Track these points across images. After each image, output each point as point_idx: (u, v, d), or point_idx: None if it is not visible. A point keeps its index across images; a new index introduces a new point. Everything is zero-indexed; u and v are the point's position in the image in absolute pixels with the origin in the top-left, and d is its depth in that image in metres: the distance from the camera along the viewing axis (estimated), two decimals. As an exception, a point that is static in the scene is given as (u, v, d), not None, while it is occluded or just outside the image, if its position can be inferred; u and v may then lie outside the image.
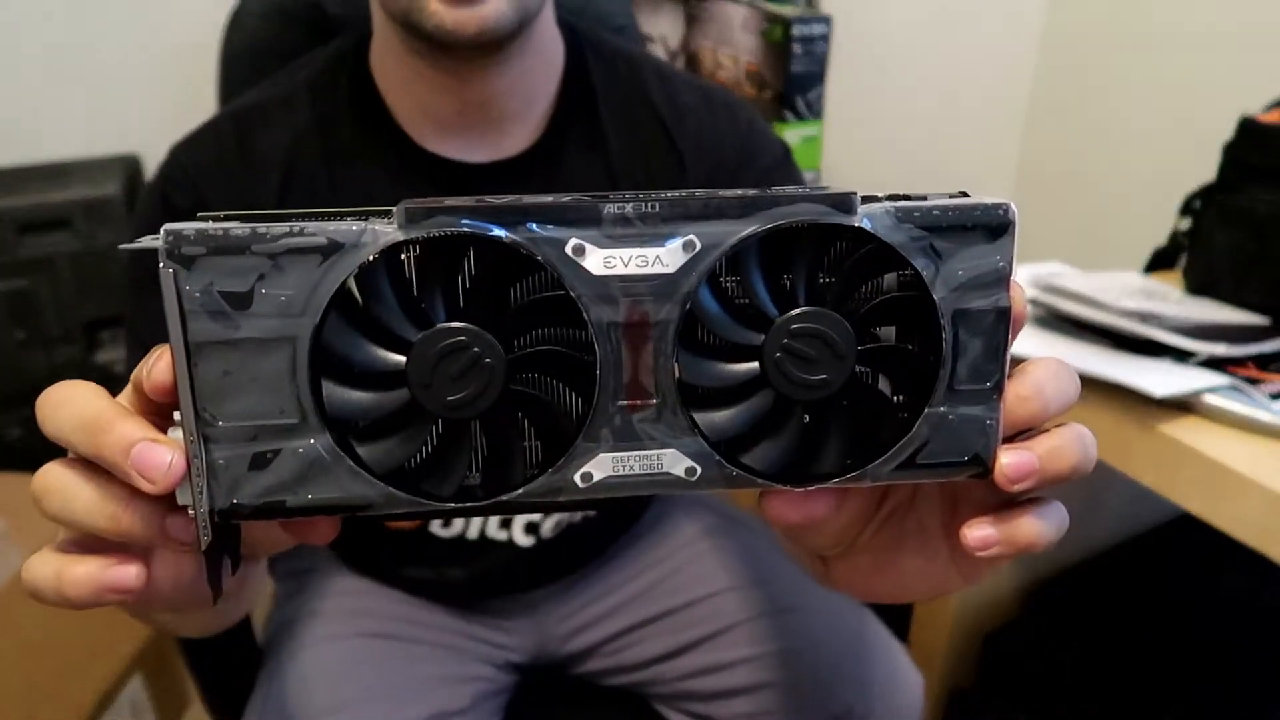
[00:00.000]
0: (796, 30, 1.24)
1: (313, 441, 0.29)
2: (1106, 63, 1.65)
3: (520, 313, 0.29)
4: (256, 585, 0.47)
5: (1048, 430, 0.32)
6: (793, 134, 1.31)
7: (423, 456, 0.30)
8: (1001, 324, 0.30)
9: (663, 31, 1.45)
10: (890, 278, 0.31)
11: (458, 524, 0.78)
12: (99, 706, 1.15)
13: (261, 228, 0.27)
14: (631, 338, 0.29)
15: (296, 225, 0.27)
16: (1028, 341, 0.84)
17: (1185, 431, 0.76)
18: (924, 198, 0.30)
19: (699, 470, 0.30)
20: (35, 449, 1.57)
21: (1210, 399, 0.77)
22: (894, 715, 0.81)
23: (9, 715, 1.07)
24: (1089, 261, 1.09)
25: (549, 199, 0.28)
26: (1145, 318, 0.84)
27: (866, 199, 0.30)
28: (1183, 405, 0.78)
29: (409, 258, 0.29)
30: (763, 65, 1.30)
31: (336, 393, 0.29)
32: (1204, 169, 0.97)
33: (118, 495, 0.30)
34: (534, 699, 0.86)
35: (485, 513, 0.28)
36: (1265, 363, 0.82)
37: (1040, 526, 0.32)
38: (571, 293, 0.29)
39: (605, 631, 0.85)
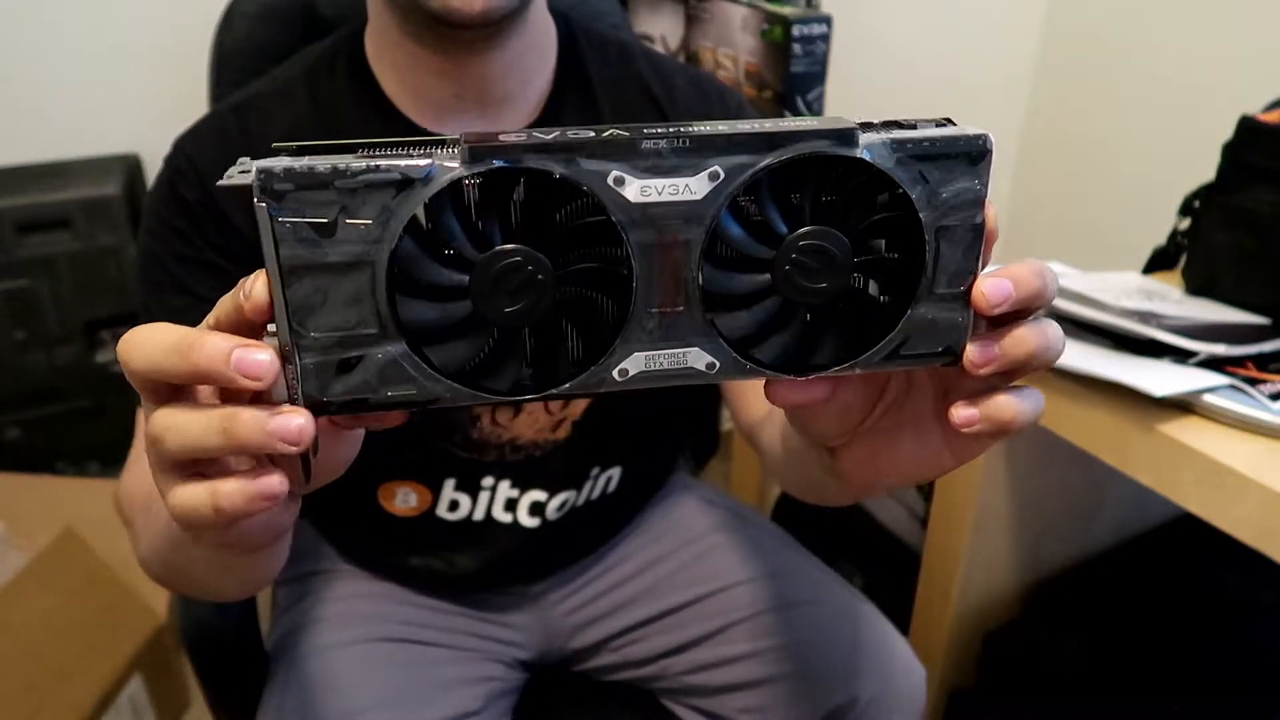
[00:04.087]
0: (796, 30, 1.23)
1: (390, 348, 0.33)
2: (1106, 63, 1.65)
3: (567, 234, 0.33)
4: (287, 541, 0.49)
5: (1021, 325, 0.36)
6: (793, 134, 1.30)
7: (482, 357, 0.34)
8: (977, 238, 0.35)
9: (663, 31, 1.45)
10: (883, 197, 0.35)
11: (464, 507, 0.78)
12: (99, 706, 1.15)
13: (342, 164, 0.31)
14: (663, 255, 0.33)
15: (373, 162, 0.31)
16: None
17: (1185, 431, 0.76)
18: (914, 125, 0.35)
19: (718, 365, 0.35)
20: (35, 449, 1.57)
21: (1210, 399, 0.77)
22: (897, 706, 0.81)
23: (9, 715, 1.07)
24: (1089, 261, 1.09)
25: (591, 133, 0.32)
26: (1145, 318, 0.84)
27: (865, 126, 0.34)
28: (1183, 405, 0.78)
29: (471, 187, 0.32)
30: (763, 65, 1.30)
31: (410, 306, 0.33)
32: (1204, 169, 0.97)
33: (223, 412, 0.33)
34: (542, 696, 0.86)
35: (537, 399, 0.35)
36: (1265, 363, 0.82)
37: (1017, 406, 0.37)
38: (613, 218, 0.33)
39: (612, 627, 0.85)
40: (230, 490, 0.33)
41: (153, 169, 0.70)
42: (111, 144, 1.38)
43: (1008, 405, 0.37)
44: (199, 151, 0.67)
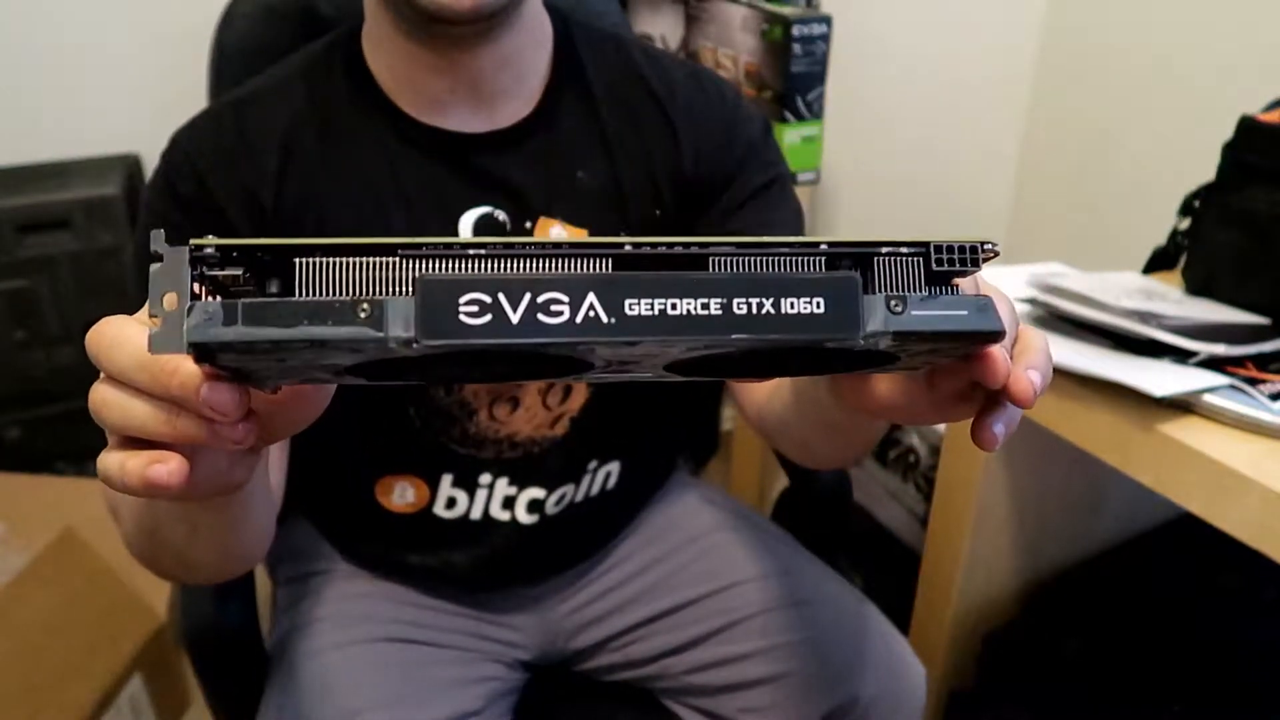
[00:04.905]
0: (796, 30, 1.24)
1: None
2: (1106, 62, 1.65)
3: (513, 365, 0.32)
4: (264, 496, 0.50)
5: None
6: (793, 134, 1.31)
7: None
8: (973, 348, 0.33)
9: (663, 31, 1.45)
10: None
11: (461, 504, 0.78)
12: (99, 706, 1.15)
13: (283, 336, 0.28)
14: (634, 361, 0.32)
15: (315, 333, 0.28)
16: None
17: (1185, 431, 0.76)
18: (925, 246, 0.31)
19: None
20: (35, 449, 1.56)
21: (1210, 399, 0.77)
22: (898, 706, 0.81)
23: (9, 715, 1.07)
24: (1089, 261, 1.09)
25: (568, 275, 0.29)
26: (1145, 318, 0.84)
27: (861, 258, 0.30)
28: (1183, 405, 0.78)
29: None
30: (763, 65, 1.30)
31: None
32: (1204, 169, 0.97)
33: (170, 406, 0.33)
34: (542, 696, 0.86)
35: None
36: (1265, 363, 0.82)
37: (1017, 415, 0.37)
38: (586, 360, 0.31)
39: (613, 627, 0.85)
40: (130, 469, 0.34)
41: (153, 169, 0.70)
42: (111, 144, 1.38)
43: (1015, 414, 0.37)
44: (195, 147, 0.68)
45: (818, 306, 0.29)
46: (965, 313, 0.30)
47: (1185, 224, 1.02)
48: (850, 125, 1.53)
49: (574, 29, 0.75)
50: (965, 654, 1.12)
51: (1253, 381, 0.78)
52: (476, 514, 0.78)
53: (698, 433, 1.12)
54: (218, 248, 0.29)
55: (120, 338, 0.33)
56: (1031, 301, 0.89)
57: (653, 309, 0.28)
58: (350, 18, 0.72)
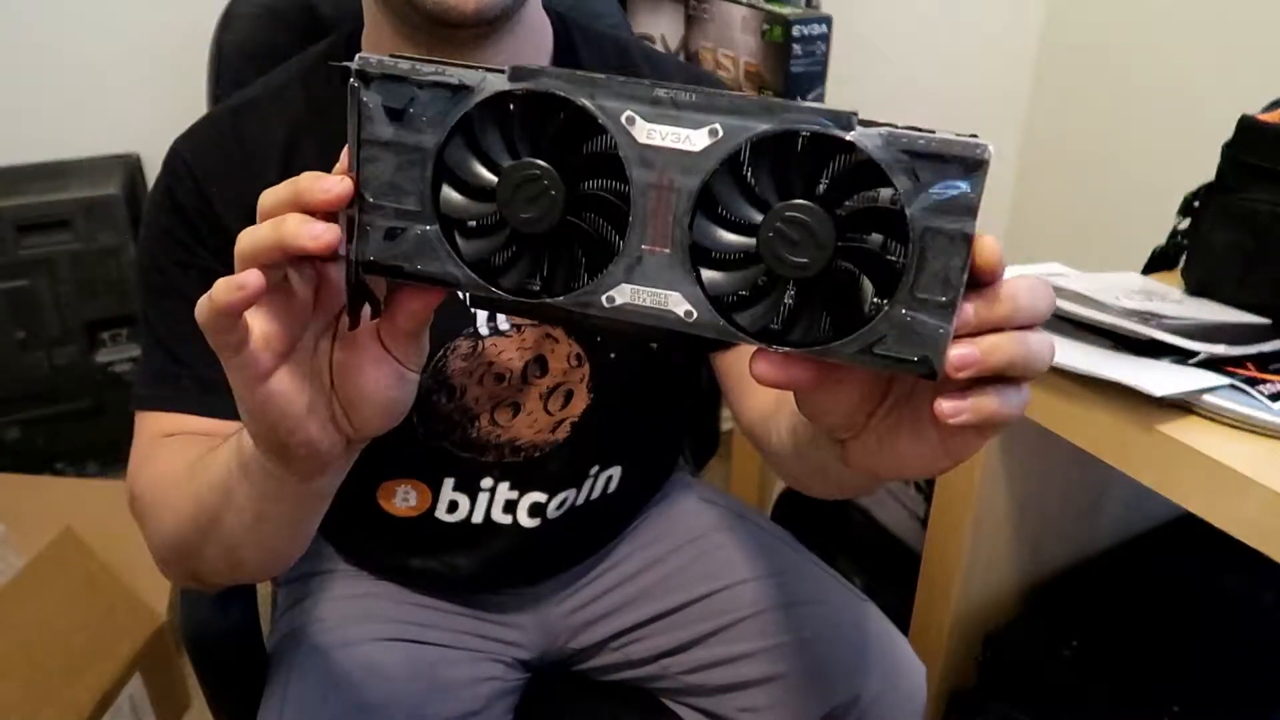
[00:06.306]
0: (796, 30, 1.24)
1: (427, 228, 0.38)
2: (1107, 61, 1.65)
3: (582, 160, 0.37)
4: (325, 505, 0.52)
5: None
6: (793, 134, 1.31)
7: (497, 256, 0.38)
8: (963, 247, 0.34)
9: (663, 31, 1.45)
10: (875, 191, 0.35)
11: (463, 508, 0.78)
12: (99, 706, 1.15)
13: (418, 65, 0.37)
14: (658, 197, 0.36)
15: (440, 67, 0.37)
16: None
17: (1185, 431, 0.76)
18: (932, 131, 0.34)
19: (695, 314, 0.37)
20: (35, 449, 1.56)
21: (1210, 399, 0.77)
22: (898, 706, 0.81)
23: (9, 715, 1.07)
24: (1089, 261, 1.09)
25: (619, 78, 0.36)
26: (1145, 318, 0.84)
27: (870, 123, 0.34)
28: (1183, 405, 0.78)
29: (510, 105, 0.37)
30: (763, 65, 1.30)
31: (448, 195, 0.38)
32: (1204, 169, 0.97)
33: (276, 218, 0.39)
34: (543, 696, 0.86)
35: (533, 312, 0.39)
36: (1265, 363, 0.82)
37: (1001, 401, 0.37)
38: (620, 153, 0.36)
39: (614, 626, 0.85)
40: (293, 223, 0.38)
41: (152, 169, 0.70)
42: (111, 144, 1.38)
43: (991, 401, 0.37)
44: (195, 156, 0.67)
45: (818, 115, 0.35)
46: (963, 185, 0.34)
47: (1185, 224, 1.02)
48: (850, 125, 1.53)
49: (574, 31, 0.75)
50: (965, 654, 1.12)
51: (1253, 381, 0.78)
52: (478, 518, 0.78)
53: (698, 433, 1.12)
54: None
55: (249, 235, 0.40)
56: (1031, 301, 0.89)
57: (689, 96, 0.35)
58: (350, 19, 0.72)
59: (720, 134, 0.35)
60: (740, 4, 1.30)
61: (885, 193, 0.35)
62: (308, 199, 0.38)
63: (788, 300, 0.36)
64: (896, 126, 0.34)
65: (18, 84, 1.33)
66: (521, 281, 0.38)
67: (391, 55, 0.38)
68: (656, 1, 1.44)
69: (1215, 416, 0.77)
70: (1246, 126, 0.93)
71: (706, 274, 0.37)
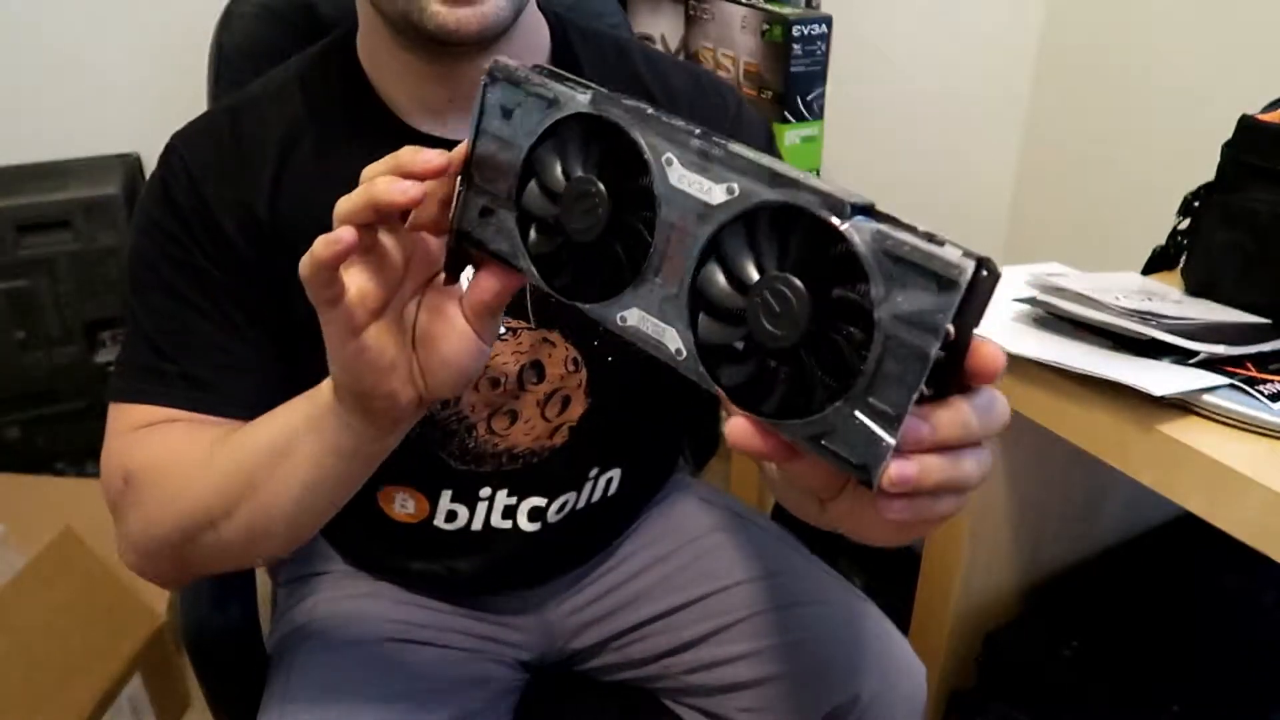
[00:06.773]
0: (796, 30, 1.24)
1: (509, 215, 0.44)
2: (1106, 62, 1.65)
3: (626, 188, 0.41)
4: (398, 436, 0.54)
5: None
6: (793, 134, 1.31)
7: (551, 254, 0.43)
8: (919, 365, 0.33)
9: (662, 31, 1.45)
10: (855, 285, 0.35)
11: (462, 517, 0.78)
12: (99, 706, 1.15)
13: (530, 76, 0.43)
14: (676, 237, 0.39)
15: (545, 81, 0.43)
16: (1028, 341, 0.84)
17: (1185, 431, 0.76)
18: (915, 229, 0.34)
19: (684, 354, 0.39)
20: (35, 449, 1.56)
21: (1210, 399, 0.77)
22: (898, 705, 0.81)
23: (9, 715, 1.07)
24: (1089, 261, 1.09)
25: (673, 120, 0.40)
26: (1145, 318, 0.84)
27: (875, 214, 0.35)
28: (1183, 405, 0.78)
29: (584, 125, 0.42)
30: (763, 65, 1.30)
31: (530, 191, 0.43)
32: (1204, 169, 0.97)
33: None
34: (543, 697, 0.86)
35: (563, 302, 0.43)
36: (1265, 363, 0.82)
37: (937, 506, 0.38)
38: (655, 189, 0.39)
39: (614, 627, 0.85)
40: (383, 182, 0.43)
41: (152, 169, 0.70)
42: (111, 144, 1.38)
43: (929, 503, 0.37)
44: (192, 154, 0.67)
45: (815, 195, 0.36)
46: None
47: (1185, 224, 1.02)
48: (850, 126, 1.53)
49: (571, 33, 0.75)
50: (965, 654, 1.12)
51: (1253, 381, 0.78)
52: (478, 525, 0.78)
53: (698, 433, 1.12)
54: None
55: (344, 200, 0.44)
56: (1031, 301, 0.89)
57: (719, 150, 0.38)
58: (350, 19, 0.71)
59: (735, 193, 0.37)
60: (740, 4, 1.30)
61: (855, 284, 0.34)
62: (407, 167, 0.43)
63: (773, 365, 0.37)
64: (898, 223, 0.34)
65: (18, 84, 1.33)
66: (563, 279, 0.43)
67: (520, 65, 0.44)
68: (656, 1, 1.44)
69: (1215, 416, 0.77)
70: (1246, 126, 0.93)
71: (703, 320, 0.39)
